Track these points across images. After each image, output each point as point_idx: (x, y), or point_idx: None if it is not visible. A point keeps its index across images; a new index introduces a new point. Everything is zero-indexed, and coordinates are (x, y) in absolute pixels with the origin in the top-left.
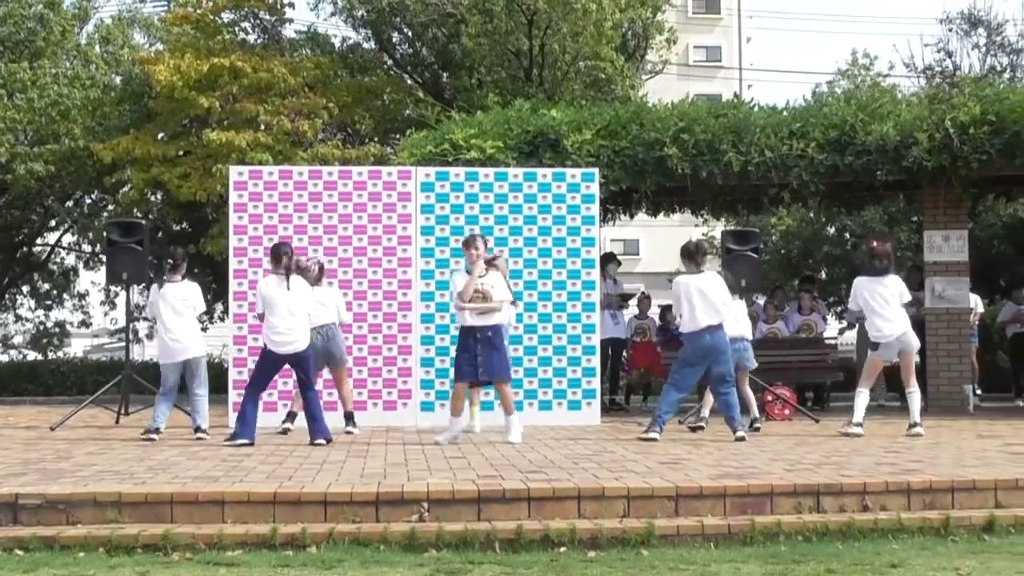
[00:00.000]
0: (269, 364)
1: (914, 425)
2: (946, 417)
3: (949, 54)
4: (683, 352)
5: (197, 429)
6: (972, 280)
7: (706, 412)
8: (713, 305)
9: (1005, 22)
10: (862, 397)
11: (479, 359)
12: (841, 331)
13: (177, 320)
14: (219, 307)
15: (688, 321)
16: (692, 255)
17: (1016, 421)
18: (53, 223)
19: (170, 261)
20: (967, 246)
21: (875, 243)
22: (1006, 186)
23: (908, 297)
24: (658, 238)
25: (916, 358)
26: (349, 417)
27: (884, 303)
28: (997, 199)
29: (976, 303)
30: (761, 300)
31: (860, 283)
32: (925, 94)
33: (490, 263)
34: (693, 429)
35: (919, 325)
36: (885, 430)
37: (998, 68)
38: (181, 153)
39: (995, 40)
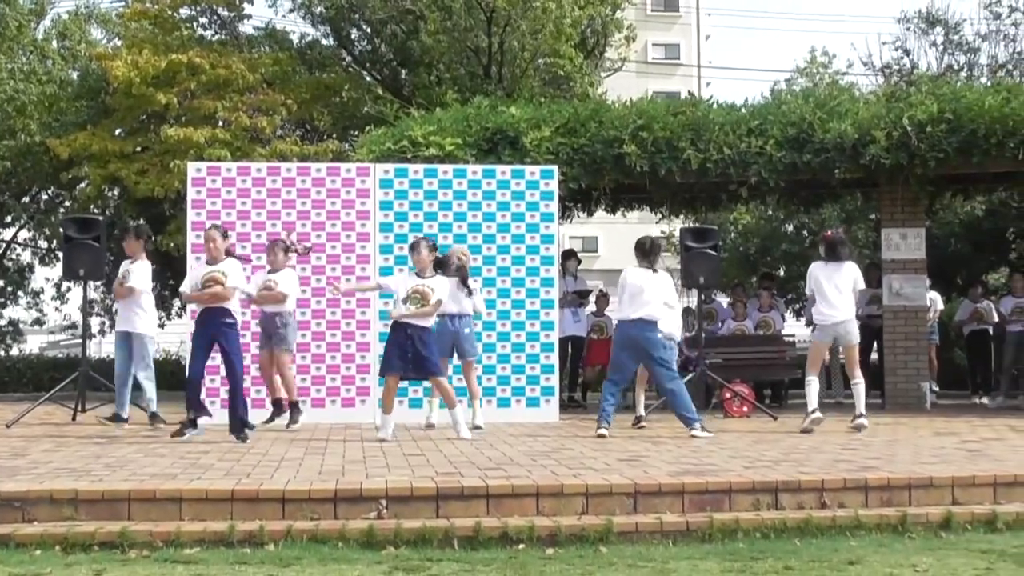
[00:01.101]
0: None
1: (859, 416)
2: (903, 414)
3: (907, 52)
4: (612, 342)
5: (153, 416)
6: (929, 278)
7: (641, 409)
8: (650, 300)
9: (962, 21)
10: (812, 385)
11: (409, 355)
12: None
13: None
14: (176, 303)
15: (621, 310)
16: (647, 253)
17: (973, 418)
18: (9, 219)
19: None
20: (924, 244)
21: (828, 233)
22: (963, 184)
23: (862, 284)
24: (617, 235)
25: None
26: (294, 407)
27: (836, 290)
28: (954, 197)
29: (935, 300)
30: (719, 297)
31: (815, 268)
32: (883, 92)
33: (440, 264)
34: (636, 425)
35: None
36: (843, 427)
37: (955, 67)
38: (138, 149)
39: (952, 39)
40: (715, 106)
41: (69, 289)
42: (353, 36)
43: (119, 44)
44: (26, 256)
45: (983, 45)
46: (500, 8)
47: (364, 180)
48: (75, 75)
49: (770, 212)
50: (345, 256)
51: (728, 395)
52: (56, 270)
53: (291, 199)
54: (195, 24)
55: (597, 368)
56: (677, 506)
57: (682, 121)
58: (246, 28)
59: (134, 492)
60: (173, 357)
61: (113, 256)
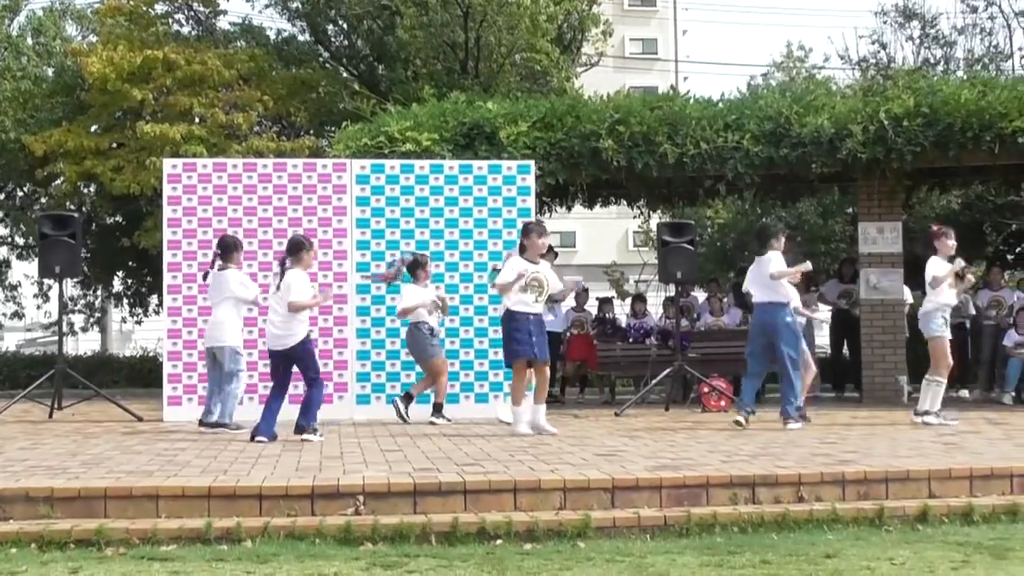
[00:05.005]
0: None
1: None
2: (880, 408)
3: (883, 46)
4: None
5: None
6: (906, 272)
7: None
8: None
9: (939, 15)
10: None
11: (534, 339)
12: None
13: None
14: (154, 300)
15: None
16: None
17: (950, 411)
18: None
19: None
20: (901, 238)
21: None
22: (939, 178)
23: None
24: (595, 230)
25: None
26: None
27: None
28: (931, 191)
29: (906, 294)
30: (695, 292)
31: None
32: (859, 86)
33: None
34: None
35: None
36: (820, 420)
37: (932, 60)
38: (114, 146)
39: (929, 32)
40: (692, 101)
41: (49, 287)
42: (329, 32)
43: (94, 40)
44: (3, 252)
45: (959, 39)
46: (476, 3)
47: (341, 176)
48: (50, 71)
49: (747, 207)
50: (322, 252)
51: (706, 389)
52: (34, 265)
53: (267, 195)
54: (171, 20)
55: (577, 363)
56: (655, 501)
57: (659, 116)
58: (222, 24)
59: (110, 490)
60: (150, 354)
61: (89, 253)
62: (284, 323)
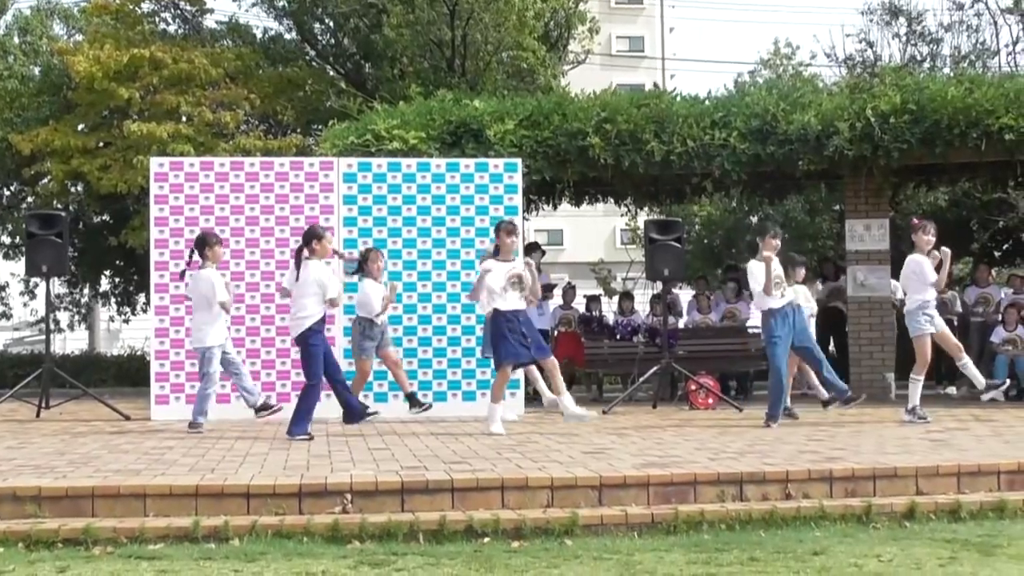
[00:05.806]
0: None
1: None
2: (868, 404)
3: (870, 44)
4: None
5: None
6: (893, 268)
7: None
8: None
9: (925, 12)
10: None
11: (529, 340)
12: None
13: None
14: (141, 299)
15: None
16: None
17: (938, 408)
18: None
19: None
20: (888, 235)
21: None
22: (926, 175)
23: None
24: (582, 228)
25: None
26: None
27: None
28: (917, 188)
29: (895, 289)
30: (676, 290)
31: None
32: (846, 84)
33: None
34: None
35: (840, 314)
36: (808, 418)
37: (918, 57)
38: (101, 144)
39: (915, 30)
40: (679, 98)
41: (36, 285)
42: (316, 30)
43: (81, 39)
44: None
45: (946, 36)
46: (463, 1)
47: (328, 174)
48: (37, 70)
49: (734, 204)
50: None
51: (693, 387)
52: (21, 265)
53: (254, 194)
54: (157, 19)
55: (564, 360)
56: (642, 498)
57: (646, 113)
58: (209, 22)
59: (98, 489)
60: (138, 353)
61: (76, 252)
62: (291, 315)
